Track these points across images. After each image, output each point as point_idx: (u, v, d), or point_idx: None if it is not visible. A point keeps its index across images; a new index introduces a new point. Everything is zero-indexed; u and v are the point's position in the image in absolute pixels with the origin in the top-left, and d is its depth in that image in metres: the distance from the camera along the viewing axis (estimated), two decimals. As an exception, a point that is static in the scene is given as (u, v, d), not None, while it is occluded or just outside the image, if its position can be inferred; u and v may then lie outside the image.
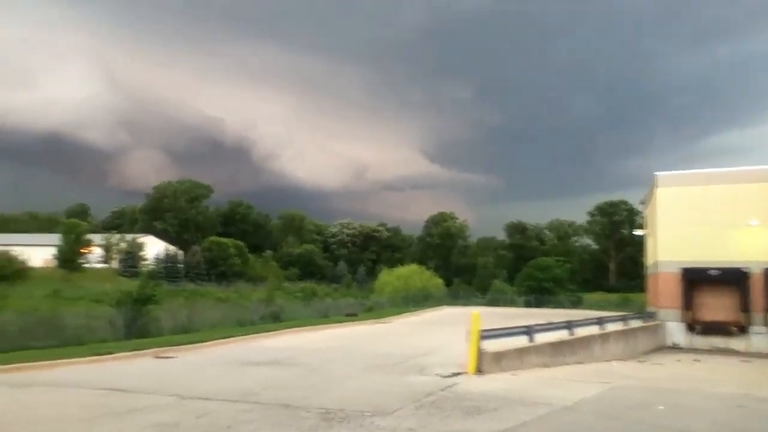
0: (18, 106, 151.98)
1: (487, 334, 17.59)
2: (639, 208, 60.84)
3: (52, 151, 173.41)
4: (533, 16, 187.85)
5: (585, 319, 26.17)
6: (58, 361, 17.34)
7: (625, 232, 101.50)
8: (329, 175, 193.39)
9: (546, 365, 19.26)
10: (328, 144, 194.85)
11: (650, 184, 35.98)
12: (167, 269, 76.41)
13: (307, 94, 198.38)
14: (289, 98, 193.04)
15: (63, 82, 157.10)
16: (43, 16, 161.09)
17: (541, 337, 20.47)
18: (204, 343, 22.62)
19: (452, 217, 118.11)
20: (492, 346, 17.63)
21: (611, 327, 26.50)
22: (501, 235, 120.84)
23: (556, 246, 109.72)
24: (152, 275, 57.01)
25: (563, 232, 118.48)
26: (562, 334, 22.19)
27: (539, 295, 66.39)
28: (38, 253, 71.92)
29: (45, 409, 11.42)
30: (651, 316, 33.21)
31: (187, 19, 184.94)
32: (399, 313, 44.14)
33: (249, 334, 26.26)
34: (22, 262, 60.20)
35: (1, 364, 16.24)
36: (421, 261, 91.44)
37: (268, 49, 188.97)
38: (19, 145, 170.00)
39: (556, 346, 20.70)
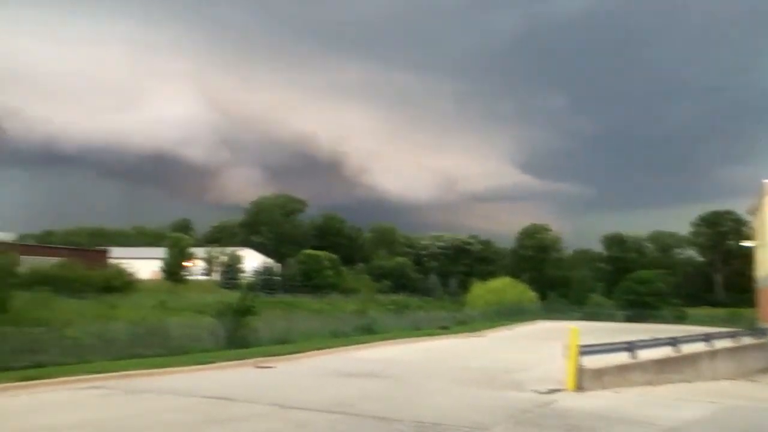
0: (127, 127, 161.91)
1: (586, 350, 17.07)
2: (747, 218, 57.42)
3: (157, 169, 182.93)
4: (628, 21, 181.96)
5: (691, 335, 24.93)
6: (166, 369, 18.16)
7: (732, 243, 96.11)
8: (419, 188, 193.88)
9: (650, 383, 18.47)
10: (417, 156, 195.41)
11: (758, 193, 33.95)
12: (264, 281, 78.62)
13: (397, 107, 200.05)
14: (380, 112, 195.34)
15: (167, 103, 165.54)
16: (149, 40, 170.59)
17: (645, 354, 19.66)
18: (301, 354, 23.11)
19: (546, 229, 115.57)
20: (592, 362, 17.08)
21: (720, 344, 25.12)
22: (597, 247, 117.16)
23: (658, 258, 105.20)
24: (250, 287, 58.85)
25: (665, 243, 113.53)
26: (666, 351, 21.23)
27: (640, 309, 63.78)
28: (146, 265, 75.74)
29: (155, 415, 11.99)
30: (764, 332, 31.24)
31: (282, 37, 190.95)
32: (492, 327, 43.55)
33: (343, 346, 26.62)
34: (131, 275, 63.51)
35: (114, 371, 17.20)
36: (514, 274, 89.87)
37: (358, 64, 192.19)
38: (128, 163, 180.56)
39: (661, 363, 19.82)
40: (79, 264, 59.46)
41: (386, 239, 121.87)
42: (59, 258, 62.73)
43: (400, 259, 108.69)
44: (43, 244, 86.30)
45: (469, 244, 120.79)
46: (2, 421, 11.06)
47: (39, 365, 19.33)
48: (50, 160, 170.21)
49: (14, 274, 38.12)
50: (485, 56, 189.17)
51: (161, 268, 75.36)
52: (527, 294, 72.24)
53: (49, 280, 50.69)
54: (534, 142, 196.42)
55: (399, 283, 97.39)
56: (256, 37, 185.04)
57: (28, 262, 48.58)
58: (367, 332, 33.63)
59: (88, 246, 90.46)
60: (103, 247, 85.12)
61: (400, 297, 75.84)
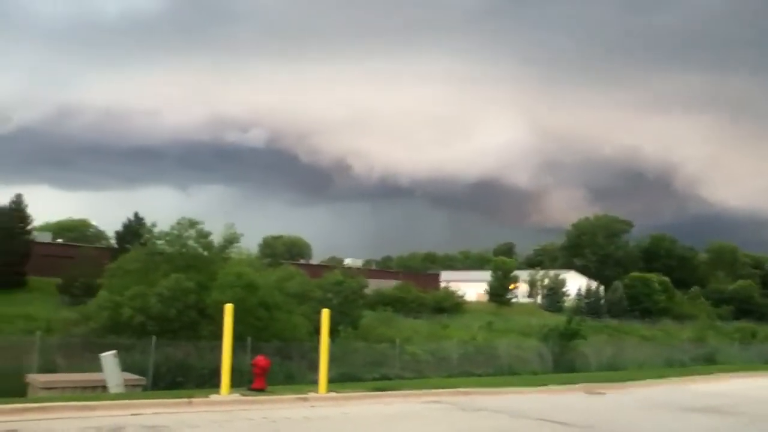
0: (455, 156, 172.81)
1: None
2: None
3: (481, 195, 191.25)
4: None
5: None
6: (496, 388, 18.77)
7: None
8: (765, 200, 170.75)
9: None
10: (761, 165, 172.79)
11: None
12: (589, 305, 76.58)
13: (732, 113, 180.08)
14: (711, 119, 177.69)
15: (491, 132, 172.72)
16: (469, 73, 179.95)
17: None
18: (632, 382, 21.98)
19: None
20: None
21: None
22: None
23: None
24: (575, 311, 57.87)
25: None
26: None
27: None
28: (472, 288, 79.37)
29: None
30: None
31: (597, 53, 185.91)
32: None
33: (680, 376, 24.63)
34: (460, 297, 67.21)
35: (449, 387, 18.34)
36: None
37: (682, 72, 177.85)
38: (454, 191, 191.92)
39: None
40: (414, 286, 64.97)
41: (726, 259, 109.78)
42: (397, 281, 69.26)
43: (743, 282, 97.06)
44: (383, 268, 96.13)
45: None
46: (364, 428, 12.55)
47: (385, 378, 21.58)
48: (387, 192, 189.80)
49: (363, 295, 43.07)
50: None
51: (486, 290, 78.22)
52: None
53: (389, 301, 56.31)
54: None
55: (743, 308, 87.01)
56: (572, 56, 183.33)
57: (373, 285, 54.47)
58: (708, 363, 30.73)
59: (421, 270, 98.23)
60: (434, 271, 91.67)
61: (746, 324, 67.54)
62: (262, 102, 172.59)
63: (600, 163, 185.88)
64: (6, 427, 9.58)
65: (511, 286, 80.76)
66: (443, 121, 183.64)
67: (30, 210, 53.58)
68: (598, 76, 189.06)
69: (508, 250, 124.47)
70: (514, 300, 79.03)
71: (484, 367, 25.03)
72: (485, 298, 77.59)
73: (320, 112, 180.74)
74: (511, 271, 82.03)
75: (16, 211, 52.26)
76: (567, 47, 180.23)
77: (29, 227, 54.25)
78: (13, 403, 11.98)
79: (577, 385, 20.19)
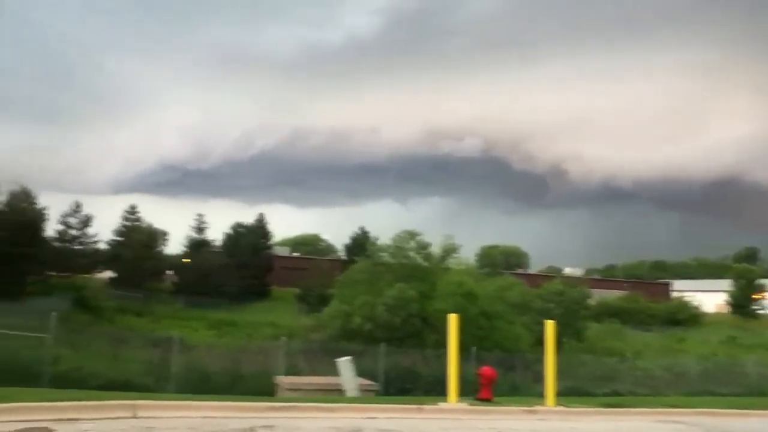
0: (685, 154, 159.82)
1: None
2: None
3: (718, 195, 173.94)
4: None
5: None
6: (745, 410, 16.98)
7: None
8: None
9: None
10: None
11: None
12: None
13: None
14: None
15: (729, 125, 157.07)
16: (703, 62, 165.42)
17: None
18: None
19: None
20: None
21: None
22: None
23: None
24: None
25: None
26: None
27: None
28: (709, 298, 72.77)
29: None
30: None
31: None
32: None
33: None
34: (696, 308, 61.95)
35: (689, 406, 16.93)
36: None
37: None
38: (686, 192, 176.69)
39: None
40: (641, 296, 61.24)
41: None
42: (622, 291, 65.75)
43: None
44: (606, 277, 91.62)
45: None
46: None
47: (616, 393, 20.55)
48: (608, 196, 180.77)
49: (586, 306, 41.47)
50: None
51: (727, 301, 71.42)
52: None
53: (614, 312, 53.62)
54: None
55: None
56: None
57: (596, 295, 52.24)
58: None
59: (649, 279, 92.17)
60: (664, 280, 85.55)
61: None
62: (476, 111, 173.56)
63: None
64: (263, 422, 10.66)
65: (757, 296, 72.65)
66: (669, 116, 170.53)
67: (271, 227, 59.65)
68: None
69: (751, 256, 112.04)
70: (761, 311, 70.99)
71: (728, 385, 22.78)
72: (726, 309, 70.75)
73: (533, 116, 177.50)
74: (756, 279, 73.82)
75: (260, 229, 58.39)
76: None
77: (271, 243, 60.31)
78: (267, 401, 13.33)
79: None
